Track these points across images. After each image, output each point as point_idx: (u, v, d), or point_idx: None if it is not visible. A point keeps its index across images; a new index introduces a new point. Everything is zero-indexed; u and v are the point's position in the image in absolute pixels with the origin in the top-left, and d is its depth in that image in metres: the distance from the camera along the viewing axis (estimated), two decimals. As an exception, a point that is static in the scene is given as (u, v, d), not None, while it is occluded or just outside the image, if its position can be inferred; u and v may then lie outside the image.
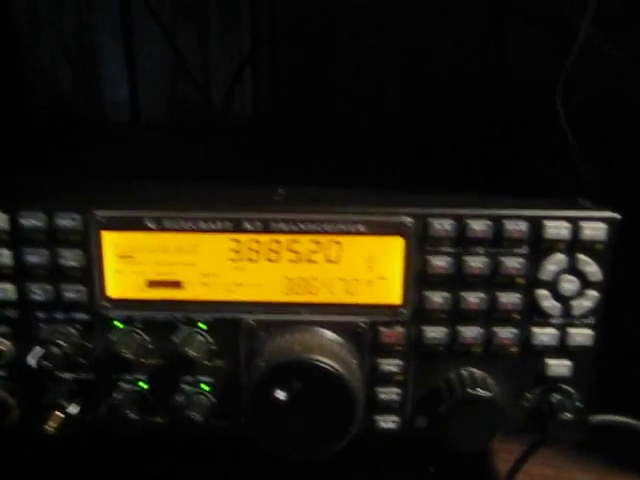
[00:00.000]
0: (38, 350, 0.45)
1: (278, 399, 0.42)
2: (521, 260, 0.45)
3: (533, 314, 0.46)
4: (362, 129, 0.79)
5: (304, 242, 0.44)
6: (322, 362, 0.42)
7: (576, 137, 0.60)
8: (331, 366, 0.42)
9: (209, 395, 0.47)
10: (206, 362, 0.46)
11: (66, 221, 0.45)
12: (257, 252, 0.45)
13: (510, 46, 0.78)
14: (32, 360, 0.45)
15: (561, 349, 0.46)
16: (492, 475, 0.58)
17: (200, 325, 0.46)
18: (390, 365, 0.46)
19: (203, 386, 0.47)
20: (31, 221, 0.45)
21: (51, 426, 0.46)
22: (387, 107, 0.81)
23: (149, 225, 0.44)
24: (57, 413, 0.46)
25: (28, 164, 0.55)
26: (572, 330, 0.46)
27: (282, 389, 0.42)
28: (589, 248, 0.44)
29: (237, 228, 0.44)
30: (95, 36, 0.95)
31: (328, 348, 0.43)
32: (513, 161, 0.63)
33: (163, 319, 0.46)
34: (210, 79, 0.95)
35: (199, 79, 0.93)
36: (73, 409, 0.47)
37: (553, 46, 0.74)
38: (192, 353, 0.45)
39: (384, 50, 0.81)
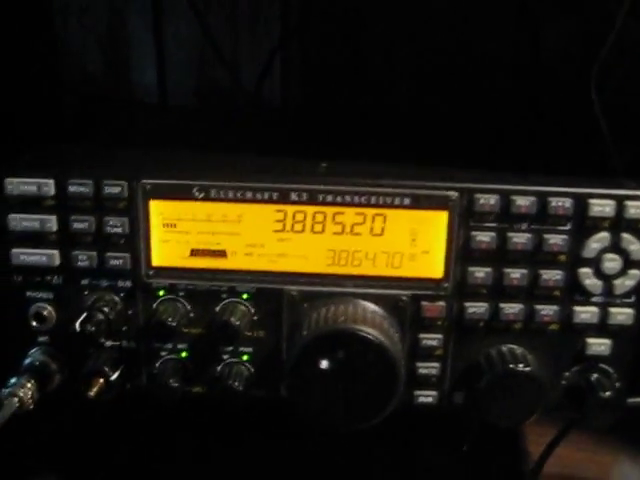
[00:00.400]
0: (82, 316, 0.45)
1: (321, 369, 0.42)
2: (564, 237, 0.45)
3: (575, 292, 0.46)
4: (399, 113, 0.79)
5: (349, 214, 0.45)
6: (367, 333, 0.42)
7: (610, 126, 0.60)
8: (375, 337, 0.42)
9: (249, 365, 0.47)
10: (247, 332, 0.46)
11: (113, 189, 0.45)
12: (302, 223, 0.45)
13: (544, 34, 0.77)
14: (76, 325, 0.45)
15: (601, 328, 0.46)
16: (523, 457, 0.58)
17: (243, 295, 0.46)
18: (430, 339, 0.46)
19: (243, 356, 0.47)
20: (79, 188, 0.45)
21: (92, 392, 0.46)
22: (423, 90, 0.81)
23: (196, 194, 0.45)
24: (99, 379, 0.47)
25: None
26: (613, 309, 0.46)
27: (325, 359, 0.42)
28: (633, 227, 0.44)
29: (283, 199, 0.45)
30: (125, 19, 0.96)
31: (372, 320, 0.43)
32: (553, 144, 0.63)
33: (206, 288, 0.46)
34: (239, 65, 0.95)
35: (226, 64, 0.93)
36: (114, 376, 0.47)
37: (587, 34, 0.73)
38: (234, 323, 0.45)
39: (418, 37, 0.81)
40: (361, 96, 0.85)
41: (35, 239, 0.46)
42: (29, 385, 0.46)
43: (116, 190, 0.45)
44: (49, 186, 0.45)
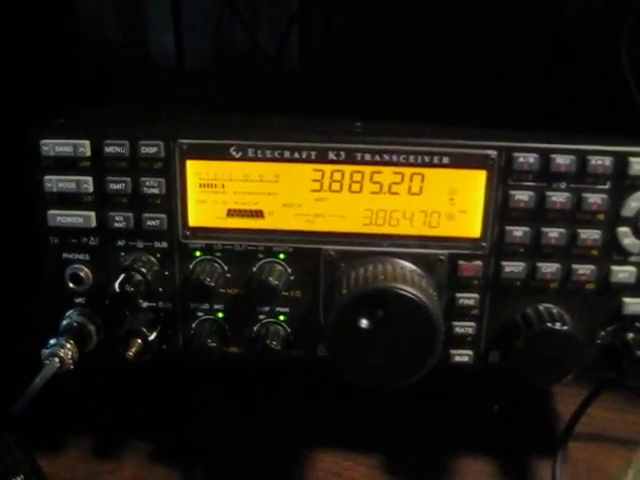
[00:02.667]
0: (121, 276, 0.45)
1: (360, 328, 0.42)
2: (603, 196, 0.44)
3: (612, 251, 0.45)
4: (427, 72, 0.78)
5: (387, 173, 0.44)
6: (407, 291, 0.42)
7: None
8: (415, 295, 0.42)
9: (285, 325, 0.48)
10: (284, 292, 0.46)
11: (150, 149, 0.45)
12: (340, 183, 0.45)
13: None
14: (115, 286, 0.45)
15: (639, 287, 0.46)
16: (553, 417, 0.58)
17: (279, 255, 0.46)
18: (467, 299, 0.46)
19: (280, 316, 0.47)
20: (115, 149, 0.45)
21: (131, 353, 0.46)
22: (453, 49, 0.80)
23: (233, 154, 0.45)
24: (136, 340, 0.47)
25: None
26: (651, 269, 0.46)
27: (365, 318, 0.42)
28: (673, 185, 0.44)
29: (321, 158, 0.44)
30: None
31: (411, 279, 0.43)
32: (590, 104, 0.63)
33: (243, 248, 0.46)
34: (257, 28, 0.94)
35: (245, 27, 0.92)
36: (152, 337, 0.47)
37: None
38: (271, 283, 0.45)
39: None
40: (383, 59, 0.84)
41: (71, 200, 0.46)
42: (68, 346, 0.46)
43: (152, 150, 0.45)
44: (85, 147, 0.45)
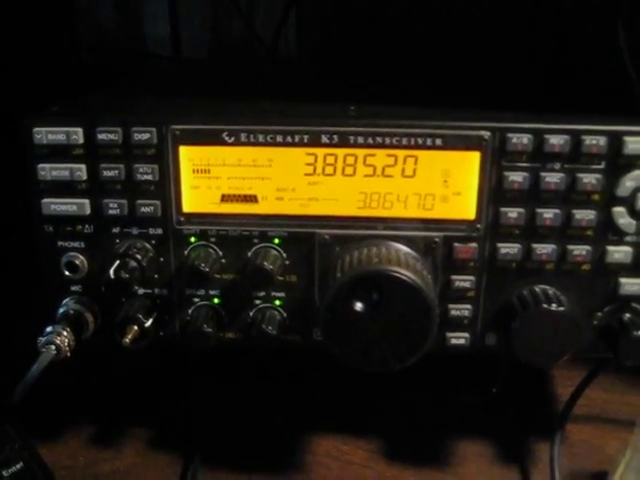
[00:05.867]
0: (116, 263, 0.45)
1: (355, 311, 0.42)
2: (598, 176, 0.44)
3: (608, 231, 0.45)
4: (421, 55, 0.78)
5: (380, 156, 0.44)
6: (401, 274, 0.42)
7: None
8: (410, 278, 0.42)
9: (281, 310, 0.48)
10: (279, 277, 0.46)
11: (142, 135, 0.45)
12: (333, 166, 0.45)
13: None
14: (110, 273, 0.45)
15: (635, 267, 0.46)
16: (552, 399, 0.59)
17: (274, 240, 0.46)
18: (463, 281, 0.46)
19: (276, 301, 0.48)
20: (107, 136, 0.45)
21: (127, 339, 0.47)
22: (446, 31, 0.80)
23: (226, 139, 0.44)
24: (133, 327, 0.47)
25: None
26: (647, 248, 0.45)
27: (360, 301, 0.42)
28: (668, 164, 0.44)
29: (314, 142, 0.44)
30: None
31: (405, 261, 0.43)
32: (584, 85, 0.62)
33: (237, 234, 0.46)
34: (253, 16, 0.94)
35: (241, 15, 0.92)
36: (148, 323, 0.47)
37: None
38: (267, 267, 0.45)
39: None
40: (379, 44, 0.83)
41: (65, 188, 0.46)
42: (65, 333, 0.46)
43: (145, 136, 0.45)
44: (78, 134, 0.45)
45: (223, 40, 0.96)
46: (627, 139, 0.43)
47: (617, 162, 0.44)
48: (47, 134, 0.45)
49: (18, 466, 0.45)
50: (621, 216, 0.45)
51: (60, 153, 0.46)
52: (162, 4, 0.94)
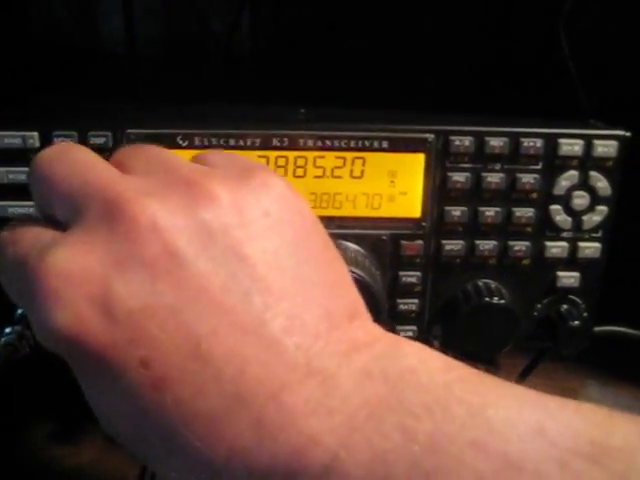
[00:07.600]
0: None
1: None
2: (536, 176, 0.47)
3: (545, 228, 0.48)
4: (372, 59, 0.80)
5: (329, 158, 0.46)
6: (351, 271, 0.43)
7: (578, 68, 0.61)
8: (359, 275, 0.44)
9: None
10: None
11: (98, 139, 0.46)
12: (284, 168, 0.46)
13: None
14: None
15: (571, 261, 0.49)
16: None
17: (229, 240, 0.47)
18: (410, 277, 0.48)
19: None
20: (64, 140, 0.46)
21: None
22: (395, 35, 0.82)
23: (180, 142, 0.46)
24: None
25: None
26: (582, 243, 0.48)
27: (311, 298, 0.44)
28: (600, 165, 0.47)
29: (265, 145, 0.46)
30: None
31: (354, 259, 0.45)
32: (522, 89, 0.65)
33: (193, 234, 0.47)
34: (209, 14, 0.94)
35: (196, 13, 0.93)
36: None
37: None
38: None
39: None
40: (332, 46, 0.85)
41: (21, 192, 0.47)
42: (24, 334, 0.47)
43: (101, 140, 0.46)
44: (34, 138, 0.46)
45: (178, 37, 0.96)
46: (561, 141, 0.46)
47: (553, 163, 0.47)
48: (3, 138, 0.46)
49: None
50: (558, 213, 0.48)
51: (16, 157, 0.46)
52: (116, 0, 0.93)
